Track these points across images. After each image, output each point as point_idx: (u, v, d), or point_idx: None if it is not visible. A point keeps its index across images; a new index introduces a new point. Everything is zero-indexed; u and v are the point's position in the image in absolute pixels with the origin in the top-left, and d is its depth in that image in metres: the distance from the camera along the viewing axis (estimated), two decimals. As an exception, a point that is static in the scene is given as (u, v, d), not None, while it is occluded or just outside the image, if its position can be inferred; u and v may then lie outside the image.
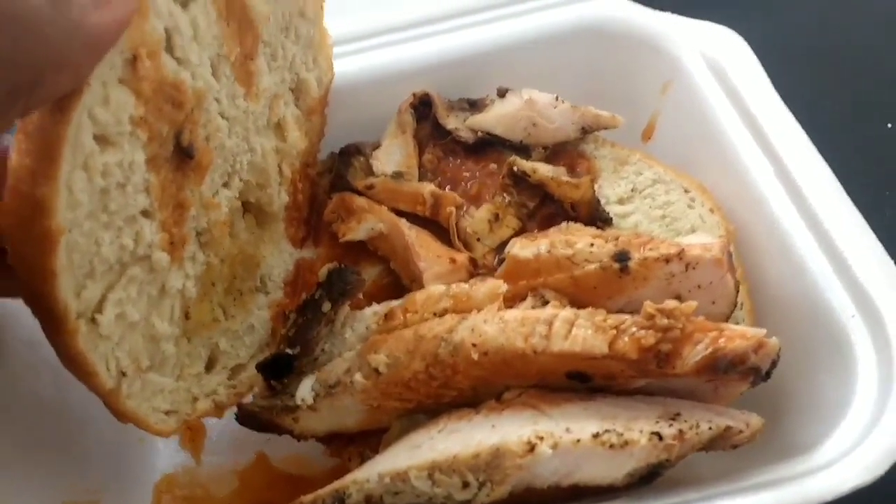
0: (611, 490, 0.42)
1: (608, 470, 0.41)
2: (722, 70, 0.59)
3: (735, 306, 0.48)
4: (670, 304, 0.43)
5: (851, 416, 0.43)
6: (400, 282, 0.56)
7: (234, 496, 0.54)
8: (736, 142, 0.56)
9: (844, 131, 0.74)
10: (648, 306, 0.42)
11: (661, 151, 0.61)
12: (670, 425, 0.41)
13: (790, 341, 0.45)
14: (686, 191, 0.58)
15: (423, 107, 0.63)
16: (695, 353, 0.41)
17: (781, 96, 0.58)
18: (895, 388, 0.43)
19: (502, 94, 0.62)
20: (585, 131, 0.60)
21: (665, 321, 0.42)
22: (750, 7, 0.84)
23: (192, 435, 0.58)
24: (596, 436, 0.41)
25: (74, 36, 0.30)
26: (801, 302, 0.50)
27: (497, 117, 0.61)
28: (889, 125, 0.76)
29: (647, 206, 0.58)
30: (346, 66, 0.63)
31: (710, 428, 0.41)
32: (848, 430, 0.43)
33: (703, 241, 0.48)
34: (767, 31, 0.64)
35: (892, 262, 0.47)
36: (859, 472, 0.40)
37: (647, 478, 0.42)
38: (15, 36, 0.29)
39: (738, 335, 0.42)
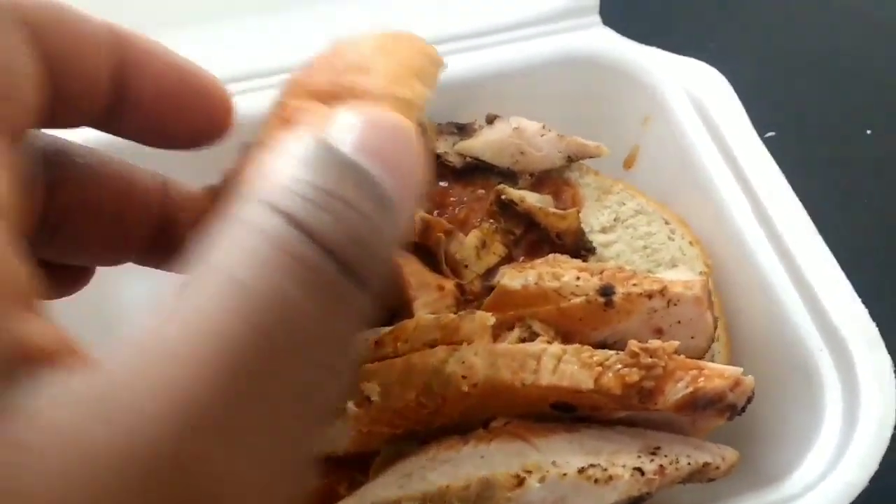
0: (593, 519, 0.44)
1: (592, 502, 0.43)
2: (703, 106, 0.61)
3: (713, 341, 0.50)
4: (654, 343, 0.44)
5: (818, 449, 0.46)
6: (387, 306, 0.57)
7: None
8: (714, 177, 0.58)
9: (825, 138, 0.77)
10: (633, 345, 0.44)
11: (642, 182, 0.63)
12: (651, 460, 0.43)
13: (762, 373, 0.47)
14: (666, 223, 0.60)
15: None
16: (675, 391, 0.43)
17: (762, 105, 0.60)
18: (859, 423, 0.45)
19: (491, 120, 0.63)
20: (571, 160, 0.62)
21: (648, 360, 0.44)
22: (731, 40, 0.87)
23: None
24: (581, 470, 0.42)
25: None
26: (772, 335, 0.52)
27: (485, 143, 0.62)
28: (868, 132, 0.78)
29: (629, 235, 0.60)
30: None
31: (689, 463, 0.43)
32: (814, 463, 0.45)
33: (684, 277, 0.50)
34: (752, 53, 0.67)
35: (858, 298, 0.50)
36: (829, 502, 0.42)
37: (629, 509, 0.44)
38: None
39: (717, 374, 0.44)
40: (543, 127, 0.62)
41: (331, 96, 0.36)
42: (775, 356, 0.51)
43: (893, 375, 0.46)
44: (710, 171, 0.58)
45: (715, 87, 0.62)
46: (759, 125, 0.60)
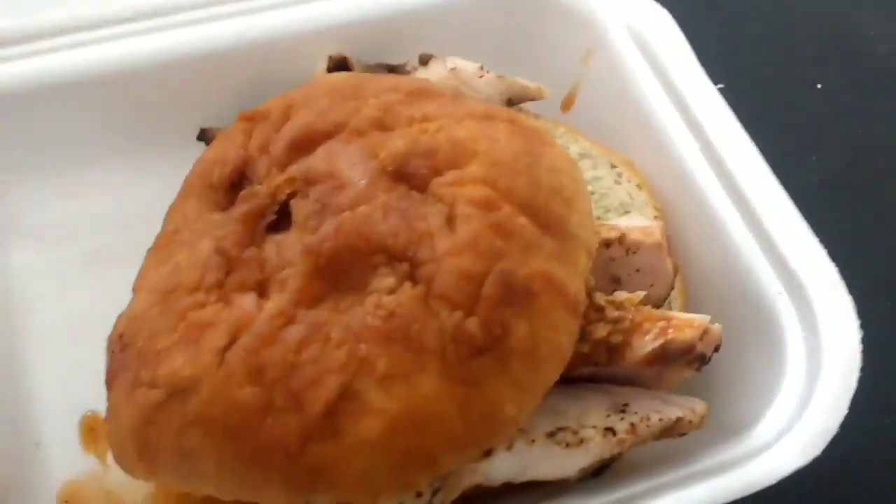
0: (561, 484, 0.42)
1: (562, 467, 0.40)
2: (647, 43, 0.58)
3: (672, 289, 0.48)
4: (620, 295, 0.42)
5: (782, 396, 0.44)
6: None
7: (149, 502, 0.50)
8: (661, 117, 0.55)
9: (774, 92, 0.75)
10: (599, 297, 0.42)
11: (583, 124, 0.60)
12: (621, 419, 0.41)
13: (719, 320, 0.45)
14: (613, 166, 0.57)
15: (338, 71, 0.59)
16: (644, 344, 0.41)
17: (711, 58, 0.58)
18: (823, 367, 0.44)
19: (425, 61, 0.58)
20: (512, 103, 0.58)
21: (615, 313, 0.41)
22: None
23: (94, 436, 0.53)
24: (551, 435, 0.40)
25: None
26: (728, 281, 0.50)
27: (426, 75, 0.58)
28: (819, 86, 0.77)
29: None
30: (253, 23, 0.59)
31: (660, 420, 0.41)
32: (781, 411, 0.44)
33: (641, 224, 0.48)
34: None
35: (815, 238, 0.48)
36: (797, 453, 0.41)
37: (598, 471, 0.42)
38: None
39: (686, 324, 0.42)
40: (481, 68, 0.57)
41: None
42: (732, 302, 0.49)
43: (855, 316, 0.45)
44: (656, 111, 0.56)
45: (659, 23, 0.59)
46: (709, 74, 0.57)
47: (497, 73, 0.57)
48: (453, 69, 0.57)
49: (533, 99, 0.58)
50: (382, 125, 0.44)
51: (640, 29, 0.59)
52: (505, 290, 0.36)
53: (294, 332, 0.36)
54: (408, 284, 0.37)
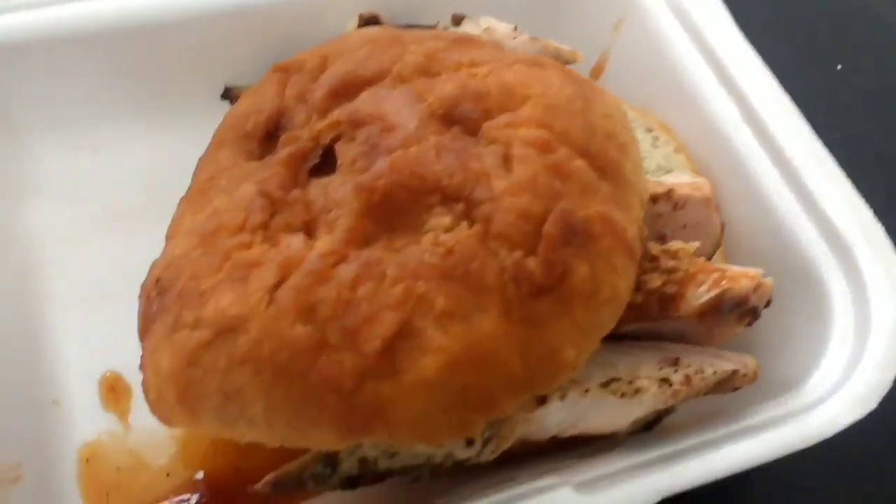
0: (610, 438, 0.41)
1: (615, 418, 0.39)
2: (681, 7, 0.57)
3: (719, 245, 0.47)
4: (674, 244, 0.41)
5: (832, 353, 0.43)
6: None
7: (174, 464, 0.48)
8: (698, 80, 0.54)
9: (794, 74, 0.75)
10: (653, 248, 0.41)
11: (620, 88, 0.59)
12: (675, 371, 0.40)
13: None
14: (649, 130, 0.56)
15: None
16: (698, 295, 0.40)
17: None
18: (872, 322, 0.43)
19: (458, 20, 0.57)
20: (544, 65, 0.57)
21: (670, 263, 0.40)
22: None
23: (115, 396, 0.51)
24: (605, 384, 0.39)
25: None
26: (770, 242, 0.49)
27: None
28: (839, 66, 0.77)
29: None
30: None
31: (714, 372, 0.40)
32: (831, 367, 0.43)
33: (689, 180, 0.47)
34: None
35: (859, 196, 0.48)
36: (852, 407, 0.40)
37: (650, 425, 0.41)
38: None
39: (740, 275, 0.41)
40: (515, 28, 0.56)
41: None
42: (775, 265, 0.48)
43: None
44: (692, 74, 0.55)
45: None
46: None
47: (530, 35, 0.56)
48: (487, 29, 0.56)
49: (566, 62, 0.57)
50: (427, 71, 0.42)
51: None
52: (566, 230, 0.35)
53: (347, 270, 0.35)
54: (465, 224, 0.36)
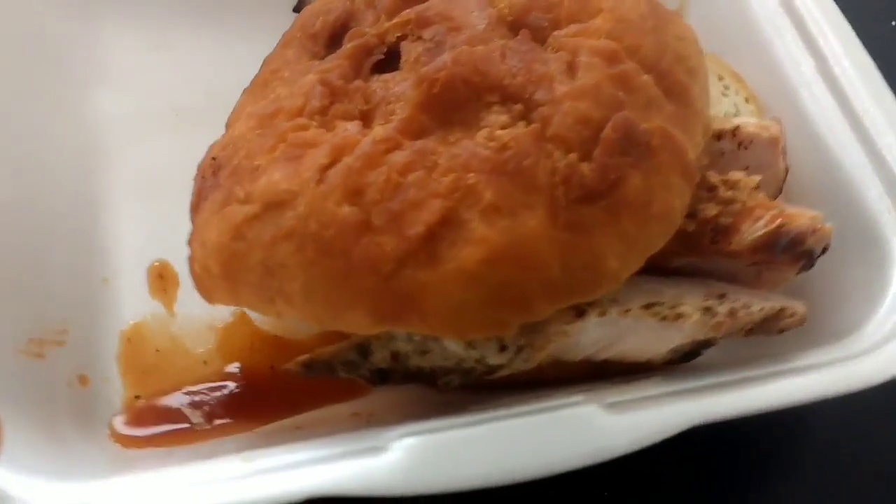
0: (645, 367, 0.40)
1: (653, 343, 0.39)
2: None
3: (780, 193, 0.46)
4: (735, 175, 0.40)
5: (886, 307, 0.42)
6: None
7: (212, 354, 0.49)
8: (775, 31, 0.53)
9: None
10: (711, 176, 0.40)
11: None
12: (721, 303, 0.39)
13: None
14: (720, 78, 0.55)
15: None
16: (754, 230, 0.39)
17: None
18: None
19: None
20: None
21: (728, 193, 0.39)
22: None
23: (163, 284, 0.52)
24: (647, 307, 0.38)
25: None
26: (834, 196, 0.47)
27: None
28: (893, 23, 0.74)
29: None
30: None
31: (761, 308, 0.39)
32: (884, 319, 0.41)
33: (756, 121, 0.45)
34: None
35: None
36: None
37: (688, 356, 0.40)
38: None
39: (799, 215, 0.39)
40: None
41: None
42: (838, 219, 0.46)
43: None
44: (770, 23, 0.53)
45: None
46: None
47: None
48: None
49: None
50: None
51: None
52: (624, 139, 0.35)
53: (399, 157, 0.35)
54: (522, 123, 0.35)
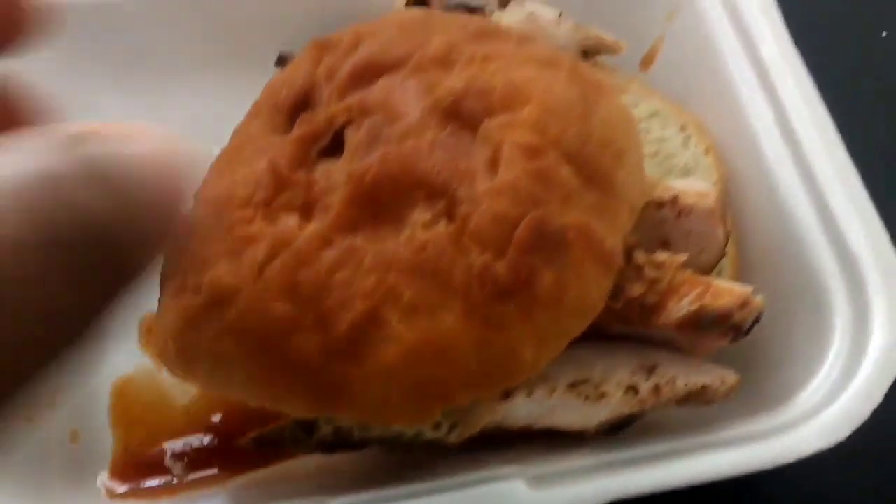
0: (580, 434, 0.42)
1: (580, 418, 0.41)
2: (735, 5, 0.56)
3: (723, 256, 0.47)
4: (660, 255, 0.41)
5: (820, 378, 0.43)
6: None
7: (194, 404, 0.53)
8: (738, 81, 0.53)
9: (837, 40, 0.72)
10: (638, 257, 0.41)
11: (660, 80, 0.59)
12: (647, 379, 0.41)
13: (770, 293, 0.45)
14: (682, 128, 0.56)
15: (419, 6, 0.59)
16: (679, 309, 0.41)
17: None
18: (867, 354, 0.42)
19: (504, 3, 0.58)
20: (586, 55, 0.57)
21: (653, 273, 0.41)
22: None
23: (150, 337, 0.56)
24: (572, 386, 0.40)
25: None
26: (784, 254, 0.49)
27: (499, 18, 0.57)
28: (884, 34, 0.73)
29: (642, 140, 0.55)
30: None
31: (685, 385, 0.41)
32: (815, 391, 0.43)
33: (697, 187, 0.46)
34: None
35: (880, 222, 0.46)
36: (822, 435, 0.40)
37: (617, 428, 0.42)
38: None
39: (725, 292, 0.41)
40: (560, 16, 0.56)
41: None
42: (786, 276, 0.48)
43: None
44: (733, 74, 0.54)
45: None
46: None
47: (575, 23, 0.56)
48: (531, 14, 0.57)
49: (610, 52, 0.57)
50: (445, 62, 0.44)
51: None
52: (537, 237, 0.37)
53: (330, 255, 0.38)
54: (444, 221, 0.38)
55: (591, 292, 0.38)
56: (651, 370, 0.41)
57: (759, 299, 0.41)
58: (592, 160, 0.39)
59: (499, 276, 0.36)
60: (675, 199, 0.45)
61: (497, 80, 0.41)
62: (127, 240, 0.25)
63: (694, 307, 0.40)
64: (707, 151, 0.54)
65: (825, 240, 0.46)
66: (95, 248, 0.24)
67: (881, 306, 0.43)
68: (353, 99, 0.44)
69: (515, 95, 0.41)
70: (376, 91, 0.43)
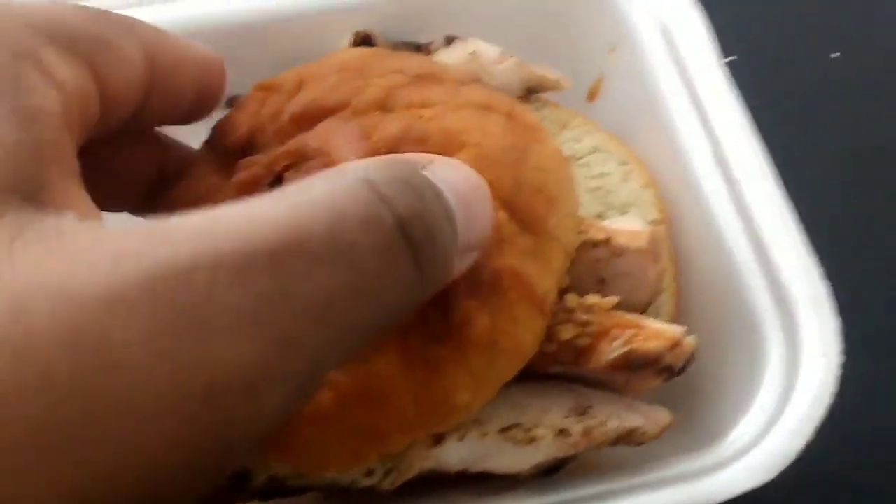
0: (515, 477, 0.43)
1: (513, 462, 0.41)
2: (673, 42, 0.57)
3: (658, 295, 0.48)
4: (591, 298, 0.42)
5: (752, 414, 0.44)
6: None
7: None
8: (677, 120, 0.54)
9: (786, 61, 0.73)
10: (569, 300, 0.42)
11: (605, 117, 0.60)
12: (579, 421, 0.41)
13: (706, 329, 0.46)
14: (623, 163, 0.56)
15: (363, 46, 0.60)
16: (610, 351, 0.41)
17: (721, 27, 0.57)
18: (797, 391, 0.43)
19: (449, 41, 0.58)
20: (530, 91, 0.58)
21: (583, 316, 0.41)
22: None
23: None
24: (504, 430, 0.41)
25: None
26: (721, 290, 0.50)
27: (443, 58, 0.58)
28: (832, 55, 0.75)
29: (583, 175, 0.56)
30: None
31: (617, 426, 0.42)
32: (747, 429, 0.43)
33: (634, 226, 0.47)
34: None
35: (813, 261, 0.47)
36: (751, 474, 0.41)
37: (553, 469, 0.43)
38: None
39: (655, 334, 0.42)
40: (502, 53, 0.57)
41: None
42: (721, 312, 0.49)
43: (838, 341, 0.44)
44: (672, 113, 0.55)
45: (688, 21, 0.58)
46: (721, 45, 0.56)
47: (519, 60, 0.57)
48: (473, 53, 0.57)
49: (552, 90, 0.58)
50: (383, 106, 0.44)
51: (668, 25, 0.58)
52: (470, 282, 0.37)
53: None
54: None
55: (525, 336, 0.38)
56: (584, 412, 0.42)
57: (689, 340, 0.42)
58: (526, 206, 0.40)
59: (434, 320, 0.37)
60: (608, 240, 0.46)
61: (432, 127, 0.42)
62: None
63: (625, 350, 0.41)
64: (647, 186, 0.55)
65: (760, 276, 0.47)
66: None
67: (813, 346, 0.44)
68: (294, 143, 0.44)
69: (450, 142, 0.41)
70: (316, 135, 0.44)
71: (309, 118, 0.46)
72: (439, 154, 0.41)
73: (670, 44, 0.57)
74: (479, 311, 0.37)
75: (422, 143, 0.41)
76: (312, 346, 0.26)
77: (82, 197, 0.29)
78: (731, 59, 0.56)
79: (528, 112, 0.47)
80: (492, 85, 0.57)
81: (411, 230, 0.28)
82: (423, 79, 0.46)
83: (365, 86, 0.46)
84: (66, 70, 0.30)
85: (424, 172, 0.31)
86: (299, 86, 0.49)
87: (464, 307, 0.37)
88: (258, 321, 0.24)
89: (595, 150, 0.57)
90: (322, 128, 0.44)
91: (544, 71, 0.58)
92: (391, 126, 0.42)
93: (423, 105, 0.44)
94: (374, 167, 0.29)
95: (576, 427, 0.41)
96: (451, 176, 0.33)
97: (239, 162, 0.46)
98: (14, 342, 0.21)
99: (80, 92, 0.31)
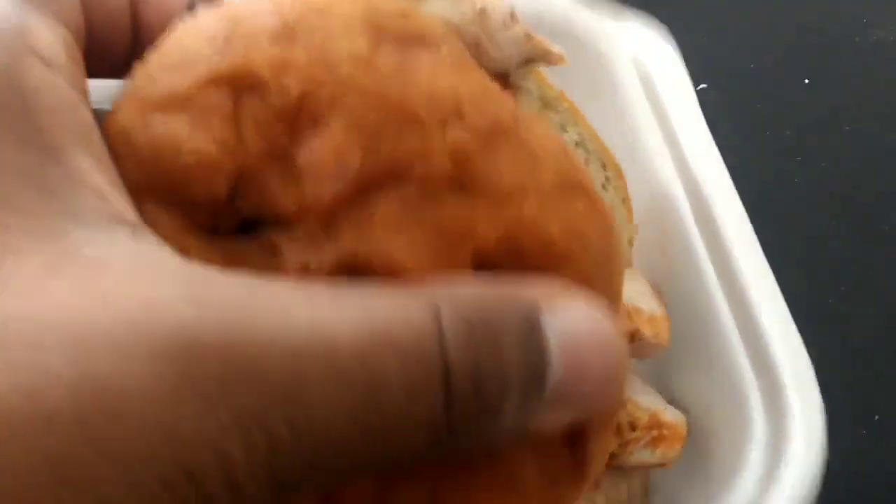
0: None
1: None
2: (650, 81, 0.55)
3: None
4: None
5: (738, 492, 0.45)
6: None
7: None
8: (652, 153, 0.54)
9: (761, 85, 0.71)
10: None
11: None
12: None
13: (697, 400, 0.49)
14: (604, 167, 0.53)
15: None
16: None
17: (692, 54, 0.55)
18: (781, 466, 0.45)
19: (452, -10, 0.46)
20: (527, 62, 0.49)
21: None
22: None
23: None
24: None
25: None
26: (709, 360, 0.50)
27: (441, 12, 0.46)
28: (701, 86, 0.75)
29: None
30: None
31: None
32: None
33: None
34: None
35: (794, 326, 0.48)
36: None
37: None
38: None
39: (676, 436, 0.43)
40: (512, 17, 0.47)
41: None
42: (709, 388, 0.50)
43: (822, 417, 0.45)
44: (649, 148, 0.54)
45: (664, 57, 0.55)
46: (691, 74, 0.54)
47: (528, 30, 0.48)
48: (482, 11, 0.46)
49: (552, 64, 0.50)
50: (458, 183, 0.34)
51: (645, 64, 0.55)
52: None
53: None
54: None
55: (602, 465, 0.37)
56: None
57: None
58: None
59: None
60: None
61: (534, 234, 0.34)
62: None
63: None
64: (624, 202, 0.53)
65: (741, 343, 0.48)
66: None
67: (798, 432, 0.45)
68: (347, 248, 0.33)
69: (552, 255, 0.34)
70: (380, 237, 0.32)
71: (363, 189, 0.33)
72: (538, 268, 0.35)
73: (647, 83, 0.55)
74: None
75: (522, 258, 0.34)
76: (295, 454, 0.23)
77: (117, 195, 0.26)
78: (701, 87, 0.54)
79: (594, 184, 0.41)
80: (491, 56, 0.48)
81: (454, 381, 0.24)
82: (493, 136, 0.35)
83: (426, 142, 0.33)
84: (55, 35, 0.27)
85: (541, 323, 0.26)
86: (300, 101, 0.33)
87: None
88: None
89: (578, 144, 0.52)
90: (389, 218, 0.32)
91: (548, 45, 0.49)
92: (486, 229, 0.33)
93: (507, 194, 0.34)
94: (459, 298, 0.26)
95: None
96: (570, 327, 0.27)
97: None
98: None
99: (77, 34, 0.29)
